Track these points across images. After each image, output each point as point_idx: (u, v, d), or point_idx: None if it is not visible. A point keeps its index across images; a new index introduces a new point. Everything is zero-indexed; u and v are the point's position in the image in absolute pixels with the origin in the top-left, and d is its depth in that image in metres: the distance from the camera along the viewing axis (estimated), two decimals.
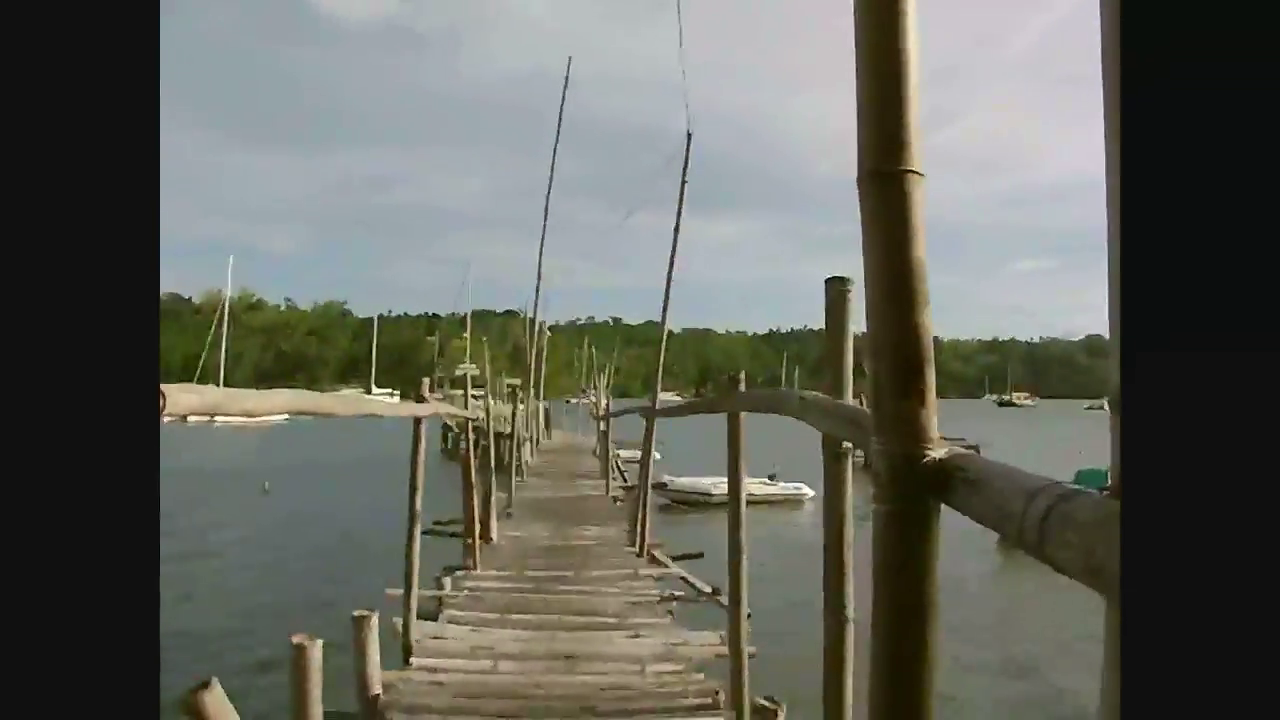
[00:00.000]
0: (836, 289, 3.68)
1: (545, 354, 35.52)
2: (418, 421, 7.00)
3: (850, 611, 3.55)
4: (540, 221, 27.53)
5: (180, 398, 2.68)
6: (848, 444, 3.56)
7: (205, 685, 3.12)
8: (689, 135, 13.81)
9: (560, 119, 28.72)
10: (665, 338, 14.12)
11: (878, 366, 1.83)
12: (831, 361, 3.65)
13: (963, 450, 1.81)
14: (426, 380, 7.81)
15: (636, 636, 8.13)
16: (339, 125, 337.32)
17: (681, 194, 13.72)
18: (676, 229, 13.74)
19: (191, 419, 2.66)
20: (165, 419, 2.70)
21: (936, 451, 1.78)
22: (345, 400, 4.86)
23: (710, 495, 27.62)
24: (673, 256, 13.71)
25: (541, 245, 26.26)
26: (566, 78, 27.80)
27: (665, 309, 13.82)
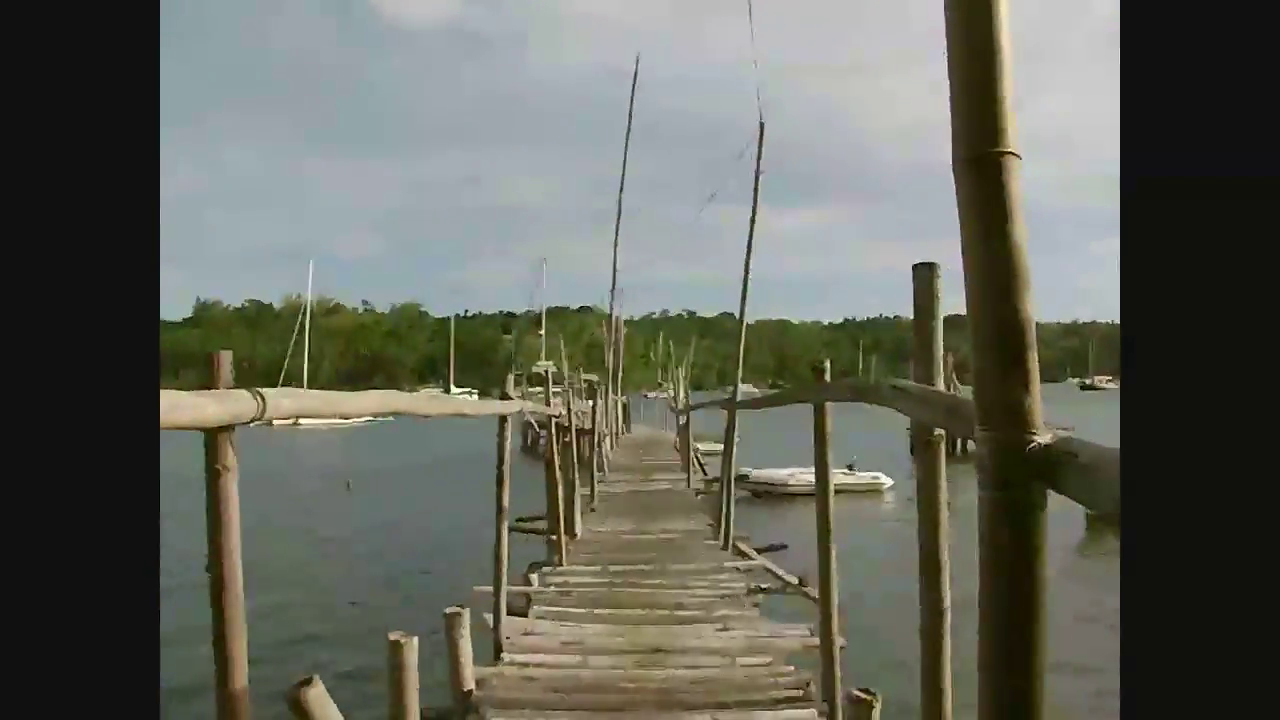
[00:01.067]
0: (924, 275, 3.64)
1: (622, 349, 35.65)
2: (503, 419, 7.06)
3: (947, 602, 3.51)
4: (613, 218, 27.60)
5: (278, 402, 2.73)
6: (940, 432, 3.51)
7: (308, 682, 3.17)
8: (761, 126, 13.76)
9: (630, 115, 28.81)
10: (743, 330, 14.09)
11: (980, 352, 1.81)
12: (921, 348, 3.61)
13: (1068, 435, 1.78)
14: (511, 378, 7.86)
15: (724, 629, 8.12)
16: (411, 130, 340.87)
17: (756, 185, 13.69)
18: (753, 220, 13.71)
19: (276, 421, 2.71)
20: (262, 422, 2.76)
21: (1043, 437, 1.75)
22: (434, 400, 4.91)
23: (788, 486, 27.51)
24: (749, 248, 13.68)
25: (616, 241, 26.39)
26: (635, 74, 27.93)
27: (743, 300, 13.79)
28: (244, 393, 2.59)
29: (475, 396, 50.71)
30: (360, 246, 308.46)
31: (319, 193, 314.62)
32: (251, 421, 2.63)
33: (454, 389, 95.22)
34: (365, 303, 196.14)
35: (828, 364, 6.29)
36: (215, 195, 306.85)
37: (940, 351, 3.60)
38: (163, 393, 2.31)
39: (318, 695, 3.18)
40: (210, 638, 2.73)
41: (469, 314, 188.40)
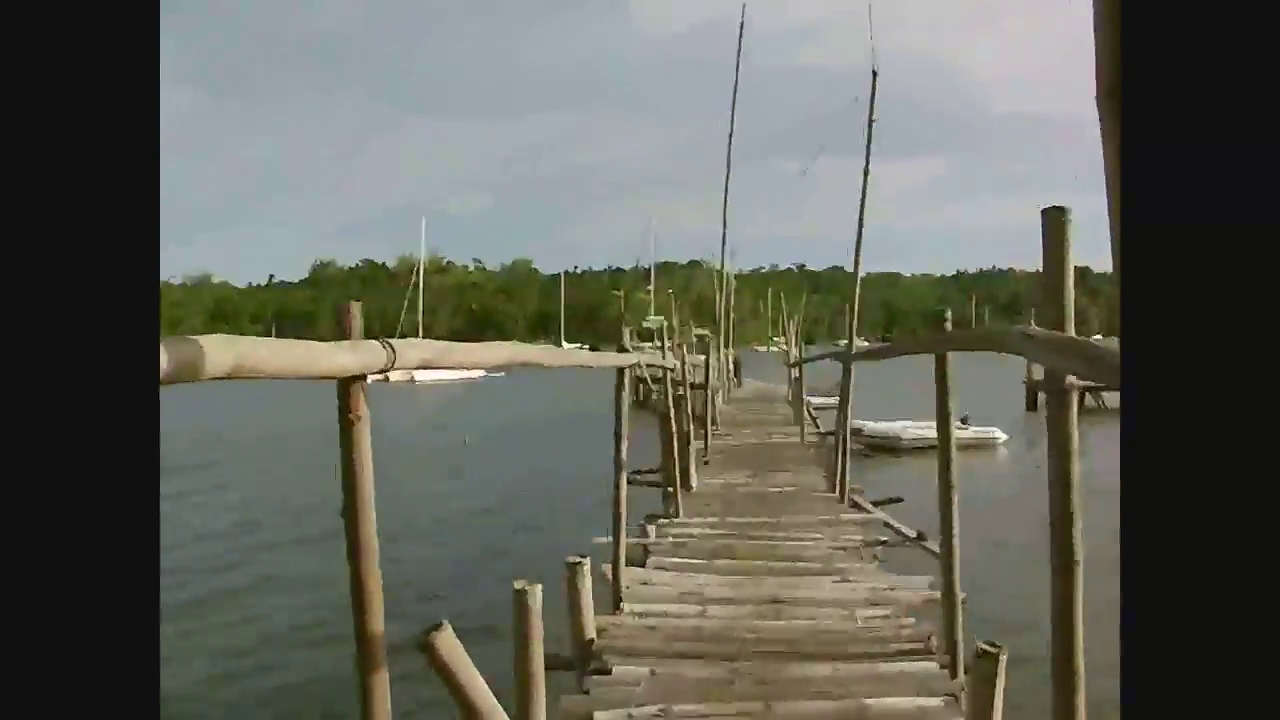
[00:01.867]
0: (1055, 218, 3.54)
1: (732, 304, 35.53)
2: (621, 371, 7.09)
3: (1079, 556, 3.42)
4: (722, 173, 27.37)
5: (407, 352, 2.77)
6: (1072, 380, 3.42)
7: (438, 627, 3.22)
8: (874, 74, 13.51)
9: (738, 69, 28.47)
10: (858, 282, 13.92)
11: None
12: (1050, 294, 3.51)
13: None
14: (627, 332, 7.87)
15: (843, 581, 8.09)
16: (519, 90, 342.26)
17: (869, 134, 13.46)
18: (866, 171, 13.49)
19: (393, 376, 2.75)
20: (380, 377, 2.81)
21: None
22: (557, 353, 4.95)
23: (900, 440, 27.21)
24: (863, 199, 13.49)
25: (726, 195, 26.18)
26: (741, 26, 27.54)
27: (858, 252, 13.61)
28: (375, 343, 2.63)
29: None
30: (471, 206, 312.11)
31: (431, 155, 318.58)
32: (382, 371, 2.68)
33: (565, 344, 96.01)
34: (476, 260, 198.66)
35: (948, 313, 6.18)
36: (330, 159, 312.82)
37: (1071, 297, 3.50)
38: (300, 343, 2.35)
39: (447, 640, 3.23)
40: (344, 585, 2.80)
41: (578, 270, 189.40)
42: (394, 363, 2.66)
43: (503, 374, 70.55)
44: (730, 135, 28.85)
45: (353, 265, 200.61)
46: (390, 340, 2.68)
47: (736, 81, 28.70)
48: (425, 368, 3.10)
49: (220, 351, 1.92)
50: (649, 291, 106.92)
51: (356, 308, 2.66)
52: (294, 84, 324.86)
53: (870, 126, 13.40)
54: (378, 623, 2.81)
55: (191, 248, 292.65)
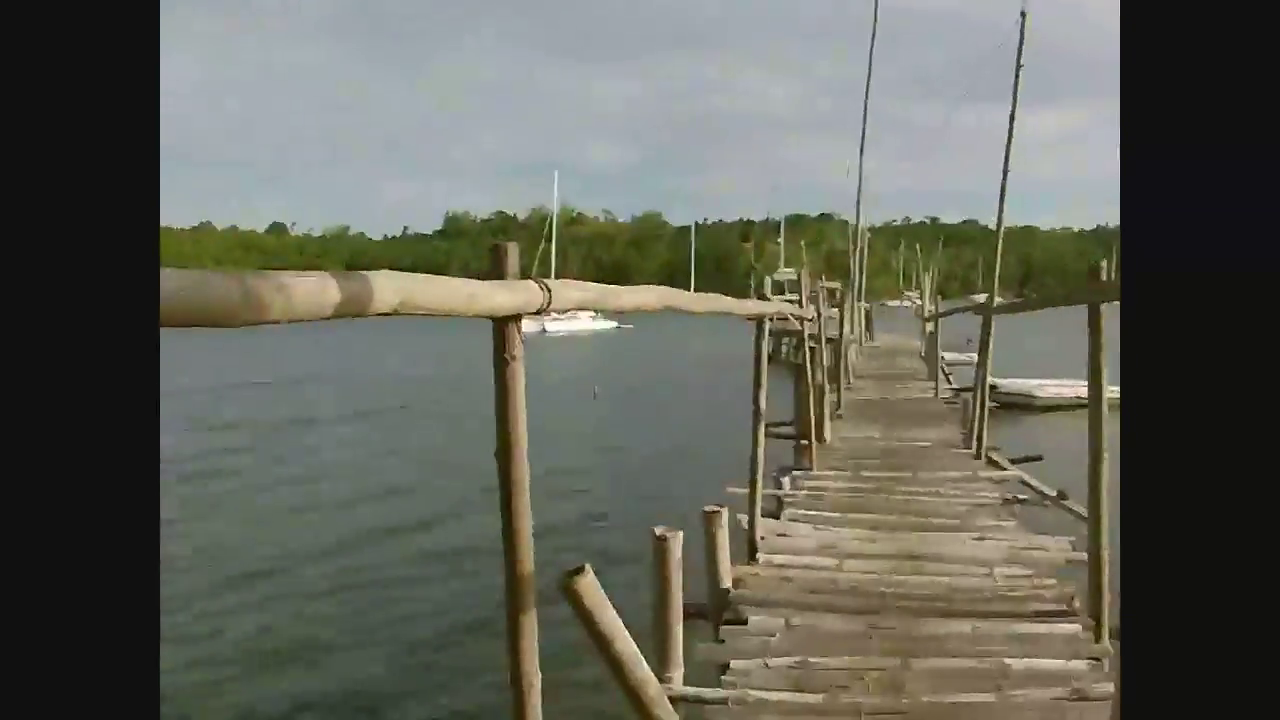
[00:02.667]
0: None
1: (866, 256, 35.00)
2: (760, 320, 7.02)
3: None
4: (854, 122, 26.76)
5: (563, 292, 2.76)
6: None
7: (579, 570, 3.23)
8: (1023, 15, 13.03)
9: (875, 14, 27.78)
10: (1000, 234, 13.53)
11: None
12: None
13: None
14: (769, 280, 7.78)
15: (982, 539, 7.93)
16: (649, 34, 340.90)
17: (1016, 80, 13.00)
18: (1012, 117, 13.07)
19: (526, 326, 2.73)
20: (549, 318, 2.81)
21: None
22: (704, 298, 4.92)
23: (1036, 398, 26.54)
24: (1008, 150, 13.06)
25: (861, 148, 25.68)
26: None
27: (1001, 203, 13.22)
28: (531, 283, 2.63)
29: None
30: (603, 156, 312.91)
31: (560, 101, 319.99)
32: (539, 312, 2.67)
33: None
34: (606, 211, 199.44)
35: (1103, 265, 5.95)
36: (464, 109, 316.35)
37: None
38: (461, 281, 2.36)
39: (589, 583, 3.24)
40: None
41: (708, 222, 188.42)
42: (550, 303, 2.66)
43: (631, 326, 71.00)
44: (867, 85, 28.30)
45: (485, 217, 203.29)
46: (546, 280, 2.67)
47: (875, 29, 28.10)
48: (581, 309, 3.09)
49: (387, 287, 1.93)
50: (779, 243, 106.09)
51: (513, 248, 2.65)
52: (431, 33, 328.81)
53: (1018, 73, 12.94)
54: (528, 562, 2.83)
55: (329, 200, 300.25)
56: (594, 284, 3.10)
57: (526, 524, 2.81)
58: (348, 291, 1.80)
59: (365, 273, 1.89)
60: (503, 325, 2.63)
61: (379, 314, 1.94)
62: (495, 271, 2.62)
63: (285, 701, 8.63)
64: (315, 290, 1.71)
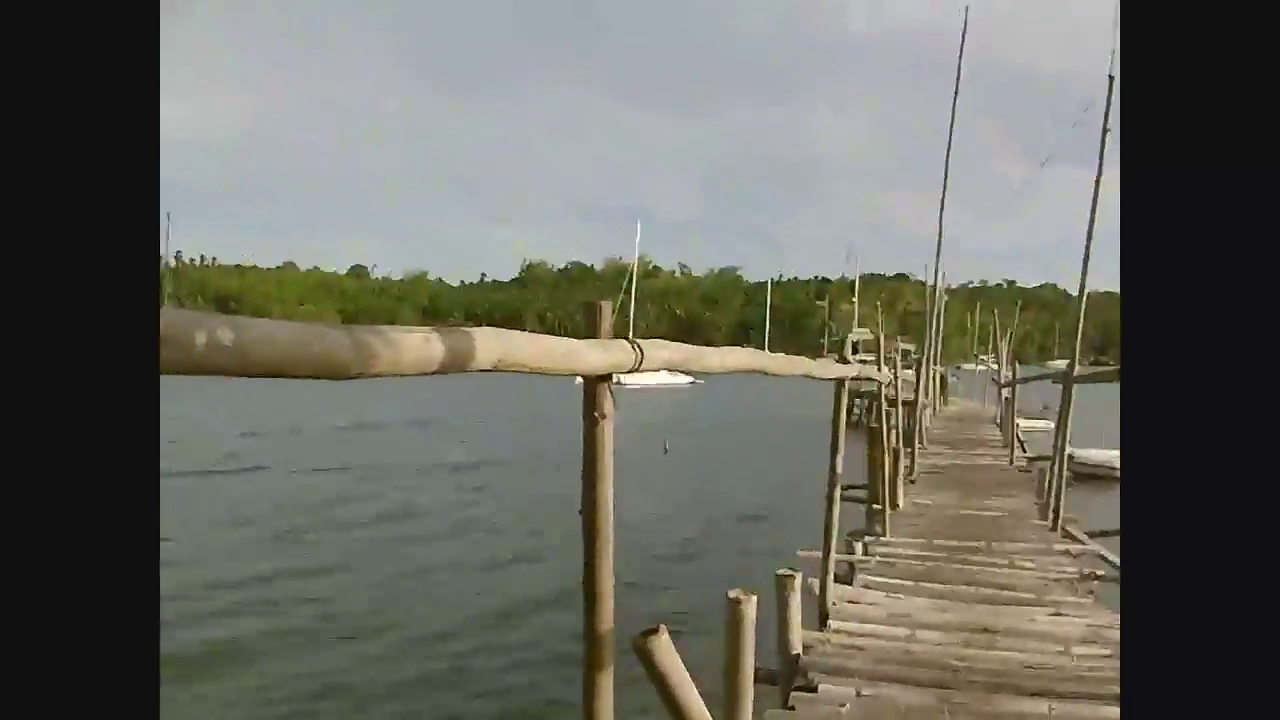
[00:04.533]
0: None
1: (943, 318, 34.66)
2: (840, 382, 6.98)
3: None
4: (932, 175, 26.49)
5: (654, 353, 2.77)
6: None
7: (654, 631, 3.20)
8: (1111, 79, 12.91)
9: (959, 71, 27.69)
10: (1083, 301, 13.34)
11: None
12: None
13: None
14: (850, 342, 7.73)
15: (1058, 614, 7.75)
16: (729, 83, 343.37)
17: (1103, 144, 12.85)
18: (1097, 182, 12.90)
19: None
20: (646, 381, 2.82)
21: None
22: (786, 360, 4.90)
23: (1115, 470, 26.00)
24: (1093, 214, 12.88)
25: (941, 207, 25.52)
26: (965, 25, 26.73)
27: (1084, 270, 13.02)
28: (624, 343, 2.64)
29: None
30: (677, 204, 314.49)
31: (638, 150, 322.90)
32: (630, 371, 2.68)
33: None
34: (682, 265, 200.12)
35: None
36: (544, 158, 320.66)
37: None
38: (559, 340, 2.38)
39: (663, 644, 3.22)
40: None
41: (783, 278, 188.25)
42: (641, 362, 2.67)
43: (702, 381, 70.97)
44: (949, 142, 28.13)
45: (561, 266, 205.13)
46: (639, 341, 2.68)
47: (957, 89, 27.90)
48: (668, 369, 3.10)
49: (489, 344, 1.95)
50: (854, 302, 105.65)
51: (606, 307, 2.67)
52: (509, 80, 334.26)
53: (1104, 136, 12.80)
54: (608, 620, 2.83)
55: (410, 245, 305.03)
56: (682, 345, 3.10)
57: (609, 582, 2.81)
58: (451, 347, 1.82)
59: (468, 329, 1.92)
60: (594, 384, 2.64)
61: (479, 370, 1.96)
62: (588, 330, 2.64)
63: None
64: (421, 345, 1.74)
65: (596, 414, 2.67)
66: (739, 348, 4.04)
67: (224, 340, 1.32)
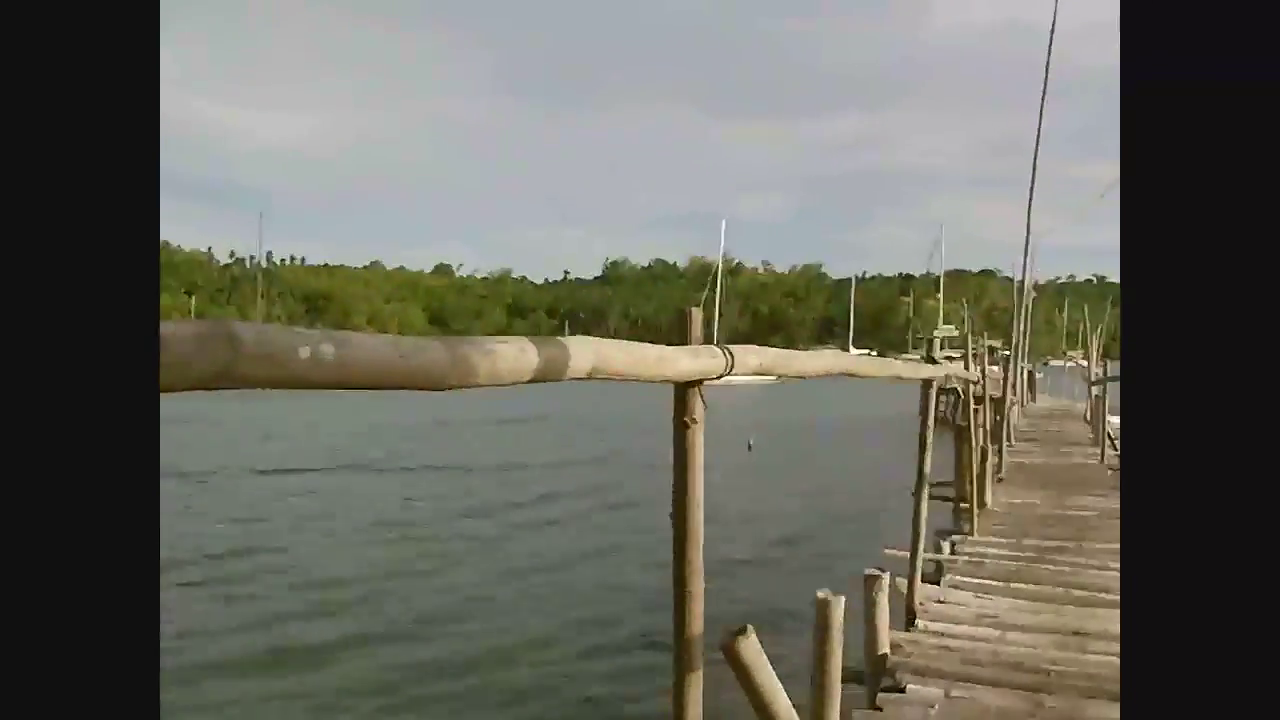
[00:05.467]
0: None
1: (1030, 315, 34.12)
2: (927, 382, 6.93)
3: None
4: (1017, 177, 25.93)
5: (744, 359, 2.79)
6: None
7: (742, 632, 3.22)
8: None
9: (1047, 72, 27.18)
10: None
11: None
12: None
13: None
14: (937, 341, 7.64)
15: None
16: (812, 91, 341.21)
17: None
18: None
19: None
20: (729, 379, 2.84)
21: None
22: (878, 364, 4.90)
23: None
24: None
25: (1029, 205, 25.10)
26: (1053, 25, 26.22)
27: None
28: (715, 349, 2.67)
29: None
30: (762, 208, 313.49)
31: (717, 155, 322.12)
32: (720, 376, 2.71)
33: (852, 350, 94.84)
34: (766, 262, 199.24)
35: None
36: (627, 159, 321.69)
37: None
38: (651, 348, 2.41)
39: (750, 644, 3.24)
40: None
41: (866, 276, 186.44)
42: (731, 368, 2.69)
43: (777, 379, 70.34)
44: (1037, 142, 27.62)
45: (644, 264, 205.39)
46: (730, 347, 2.71)
47: (1045, 87, 27.42)
48: (759, 374, 3.12)
49: (583, 352, 1.99)
50: (938, 299, 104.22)
51: (697, 313, 2.70)
52: (599, 86, 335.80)
53: None
54: (698, 623, 2.85)
55: (495, 246, 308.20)
56: (770, 349, 3.12)
57: (699, 583, 2.84)
58: (547, 357, 1.86)
59: (563, 339, 1.96)
60: (685, 389, 2.67)
61: (574, 379, 2.00)
62: (679, 336, 2.67)
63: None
64: (517, 356, 1.78)
65: (687, 419, 2.70)
66: (827, 351, 4.06)
67: (326, 355, 1.37)
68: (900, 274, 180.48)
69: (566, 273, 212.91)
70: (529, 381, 1.85)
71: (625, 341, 2.24)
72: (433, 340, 1.59)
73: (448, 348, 1.61)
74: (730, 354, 2.68)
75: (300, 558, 15.16)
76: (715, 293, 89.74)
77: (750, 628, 3.30)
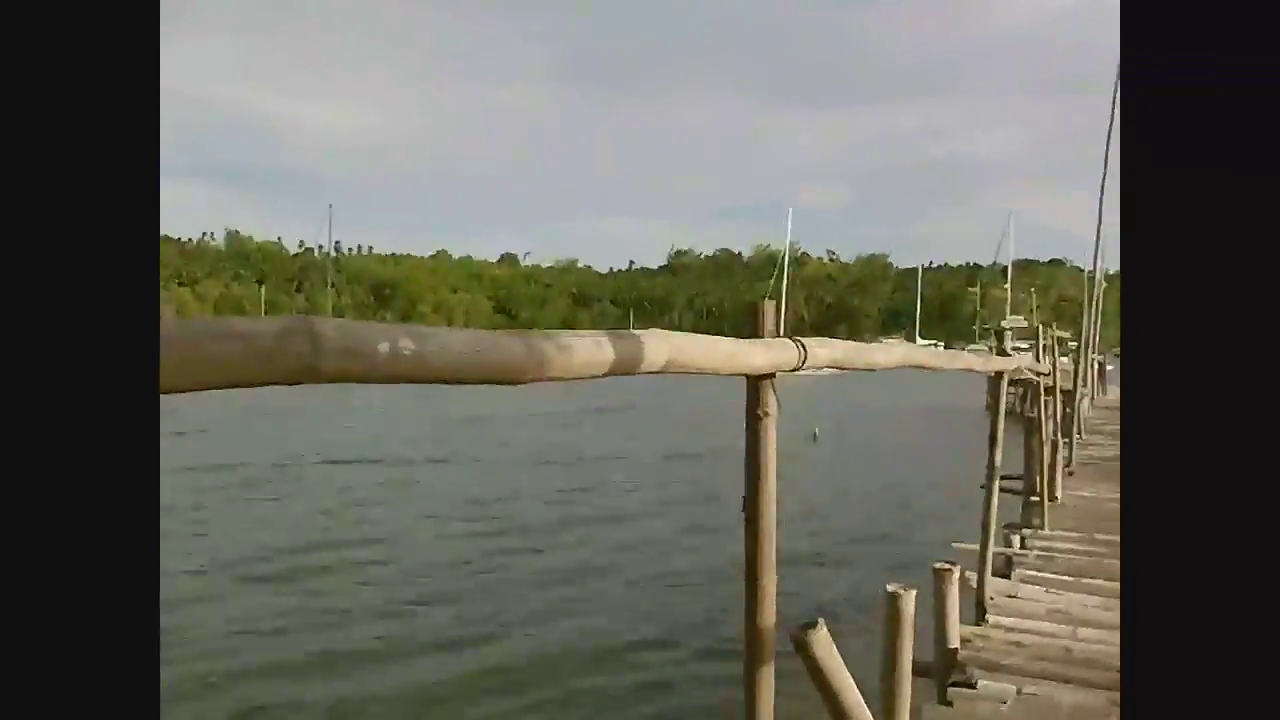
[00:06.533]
0: None
1: (1101, 306, 33.61)
2: (998, 375, 6.83)
3: None
4: (1086, 169, 25.56)
5: (816, 351, 2.77)
6: None
7: (812, 625, 3.20)
8: None
9: (1120, 58, 26.60)
10: None
11: None
12: None
13: None
14: (1009, 332, 7.53)
15: None
16: (875, 80, 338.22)
17: None
18: None
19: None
20: (803, 371, 2.81)
21: None
22: (948, 356, 4.83)
23: None
24: None
25: (1101, 194, 24.73)
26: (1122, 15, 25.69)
27: None
28: (788, 342, 2.65)
29: (940, 348, 50.32)
30: (827, 198, 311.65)
31: (779, 146, 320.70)
32: (793, 370, 2.69)
33: (919, 340, 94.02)
34: (830, 252, 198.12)
35: None
36: (691, 150, 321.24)
37: None
38: (724, 340, 2.40)
39: (822, 638, 3.21)
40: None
41: (933, 265, 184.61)
42: (804, 361, 2.67)
43: (843, 370, 69.91)
44: (1110, 128, 27.17)
45: (709, 254, 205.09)
46: (802, 340, 2.69)
47: (1119, 76, 26.96)
48: (831, 367, 3.10)
49: (657, 346, 1.98)
50: (1006, 289, 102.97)
51: (769, 306, 2.68)
52: (658, 77, 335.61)
53: None
54: (770, 615, 2.84)
55: (559, 235, 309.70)
56: (844, 342, 3.09)
57: (772, 576, 2.83)
58: (621, 350, 1.86)
59: (637, 332, 1.95)
60: (757, 382, 2.65)
61: (649, 372, 1.99)
62: (751, 329, 2.66)
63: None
64: (592, 349, 1.78)
65: (760, 412, 2.68)
66: (899, 343, 4.02)
67: (406, 350, 1.38)
68: (967, 264, 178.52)
69: (631, 262, 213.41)
70: (604, 375, 1.85)
71: (698, 335, 2.23)
72: (509, 335, 1.60)
73: (524, 342, 1.62)
74: (803, 347, 2.66)
75: (396, 551, 15.15)
76: (781, 282, 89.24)
77: (821, 621, 3.27)
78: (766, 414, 2.68)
